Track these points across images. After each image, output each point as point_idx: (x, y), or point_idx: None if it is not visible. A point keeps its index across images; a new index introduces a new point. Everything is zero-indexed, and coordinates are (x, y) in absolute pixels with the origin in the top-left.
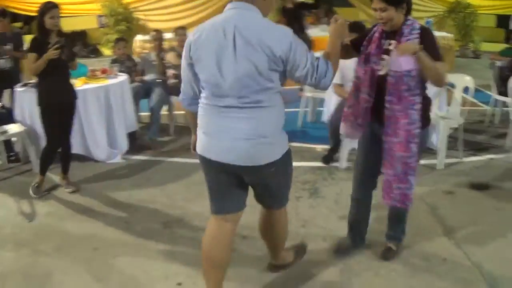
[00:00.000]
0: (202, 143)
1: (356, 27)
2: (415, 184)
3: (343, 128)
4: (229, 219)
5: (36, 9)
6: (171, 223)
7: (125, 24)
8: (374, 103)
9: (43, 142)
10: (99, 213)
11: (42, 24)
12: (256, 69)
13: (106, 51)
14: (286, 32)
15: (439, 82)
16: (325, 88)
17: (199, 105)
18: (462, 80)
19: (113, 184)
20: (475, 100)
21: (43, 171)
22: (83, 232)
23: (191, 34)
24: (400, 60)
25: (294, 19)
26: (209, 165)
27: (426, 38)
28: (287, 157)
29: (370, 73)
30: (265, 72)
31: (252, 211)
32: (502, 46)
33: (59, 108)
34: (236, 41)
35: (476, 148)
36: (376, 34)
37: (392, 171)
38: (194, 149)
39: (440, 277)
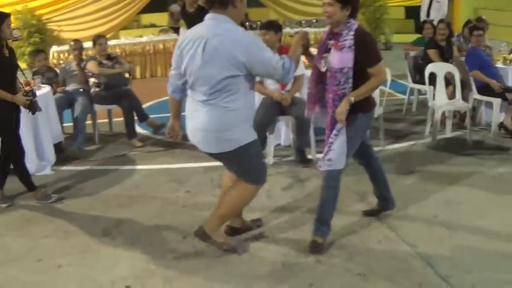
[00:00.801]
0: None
1: (270, 24)
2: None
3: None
4: None
5: None
6: (110, 229)
7: (39, 36)
8: (322, 95)
9: None
10: (37, 225)
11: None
12: (219, 74)
13: (21, 64)
14: (251, 40)
15: (377, 88)
16: (287, 82)
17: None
18: None
19: None
20: (391, 91)
21: (30, 185)
22: (25, 245)
23: (183, 35)
24: (335, 58)
25: (195, 23)
26: None
27: (359, 41)
28: (243, 150)
29: (314, 68)
30: (227, 77)
31: (188, 211)
32: (413, 36)
33: (11, 120)
34: (205, 48)
35: (397, 136)
36: (325, 35)
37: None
38: (168, 132)
39: (377, 258)
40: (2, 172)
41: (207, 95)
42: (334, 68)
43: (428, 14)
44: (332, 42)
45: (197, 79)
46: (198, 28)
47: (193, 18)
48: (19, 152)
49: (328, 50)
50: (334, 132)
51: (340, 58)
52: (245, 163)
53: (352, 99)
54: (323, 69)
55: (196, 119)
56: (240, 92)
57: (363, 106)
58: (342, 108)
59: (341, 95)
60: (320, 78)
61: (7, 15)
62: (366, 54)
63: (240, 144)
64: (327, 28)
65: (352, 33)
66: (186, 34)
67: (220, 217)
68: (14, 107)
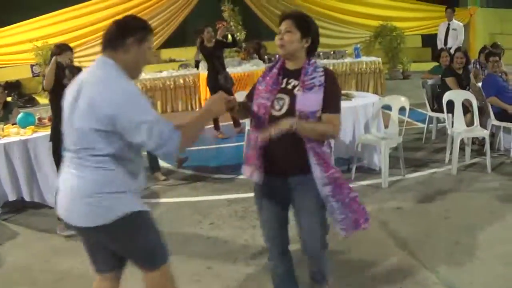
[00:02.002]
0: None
1: None
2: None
3: (245, 170)
4: (107, 278)
5: None
6: None
7: None
8: (267, 149)
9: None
10: (65, 257)
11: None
12: (86, 129)
13: (42, 100)
14: (124, 92)
15: (324, 138)
16: (164, 158)
17: None
18: (398, 101)
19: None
20: (410, 120)
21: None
22: (52, 276)
23: (202, 69)
24: (306, 99)
25: (214, 57)
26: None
27: (330, 81)
28: (128, 222)
29: (263, 110)
30: (94, 132)
31: (212, 243)
32: (430, 65)
33: None
34: (78, 97)
35: (417, 165)
36: (275, 70)
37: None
38: None
39: (399, 285)
40: None
41: (75, 152)
42: (305, 112)
43: (445, 42)
44: (292, 81)
45: (68, 132)
46: (83, 72)
47: (211, 53)
48: None
49: (284, 90)
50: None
51: (312, 99)
52: (134, 239)
53: (295, 127)
54: (278, 113)
55: (66, 184)
56: (114, 153)
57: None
58: (283, 125)
59: (314, 142)
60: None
61: (67, 49)
62: (332, 97)
63: (118, 214)
64: (274, 64)
65: (320, 70)
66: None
67: None
68: None
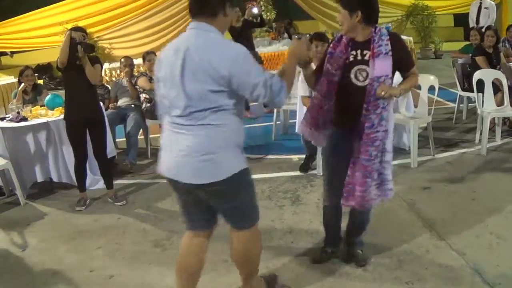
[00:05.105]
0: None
1: (323, 36)
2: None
3: (308, 134)
4: (200, 235)
5: None
6: (161, 241)
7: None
8: (341, 109)
9: (27, 174)
10: (90, 238)
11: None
12: (201, 90)
13: None
14: (236, 53)
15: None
16: (279, 106)
17: None
18: (427, 80)
19: (99, 209)
20: (440, 99)
21: (79, 188)
22: (76, 256)
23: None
24: (373, 68)
25: (242, 37)
26: (169, 183)
27: (397, 45)
28: (238, 178)
29: (327, 82)
30: (210, 93)
31: None
32: (463, 44)
33: (80, 123)
34: (185, 62)
35: (447, 144)
36: (344, 40)
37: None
38: None
39: (425, 266)
40: (103, 174)
41: (190, 114)
42: (371, 78)
43: (477, 21)
44: (366, 52)
45: (177, 97)
46: (177, 39)
47: (239, 33)
48: (81, 155)
49: (360, 62)
50: (386, 156)
51: (380, 66)
52: (242, 196)
53: (399, 91)
54: (362, 83)
55: (179, 145)
56: (227, 110)
57: None
58: (387, 88)
59: (377, 107)
60: (335, 92)
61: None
62: (407, 57)
63: (234, 171)
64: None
65: (385, 37)
66: (167, 47)
67: (247, 277)
68: (80, 111)
